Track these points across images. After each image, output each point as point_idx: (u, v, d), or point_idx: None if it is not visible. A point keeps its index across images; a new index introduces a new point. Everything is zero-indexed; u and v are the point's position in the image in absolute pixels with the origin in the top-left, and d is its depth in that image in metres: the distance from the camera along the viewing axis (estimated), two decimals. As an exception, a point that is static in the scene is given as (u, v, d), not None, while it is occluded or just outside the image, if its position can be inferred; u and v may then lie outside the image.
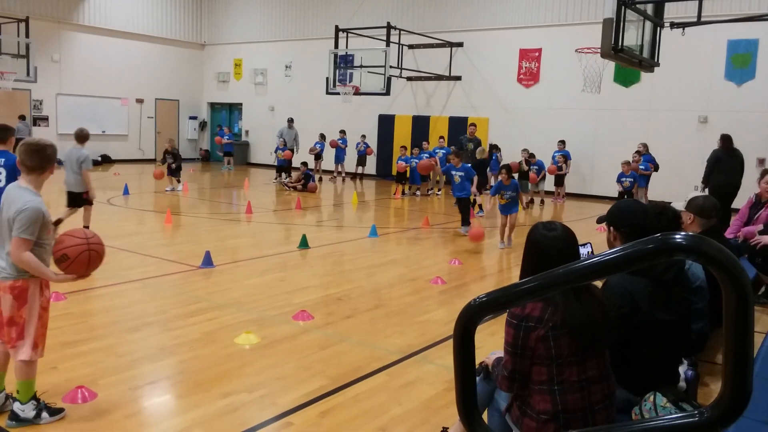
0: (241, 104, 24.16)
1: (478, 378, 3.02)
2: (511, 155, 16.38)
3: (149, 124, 23.64)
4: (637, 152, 14.14)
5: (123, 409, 3.72)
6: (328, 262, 8.20)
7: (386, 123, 20.07)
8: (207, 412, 3.70)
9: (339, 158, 19.11)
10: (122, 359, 4.47)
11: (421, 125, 19.28)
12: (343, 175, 19.39)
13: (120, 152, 22.59)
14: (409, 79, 19.14)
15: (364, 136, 19.14)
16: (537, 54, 17.39)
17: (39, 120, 20.43)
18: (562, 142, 15.84)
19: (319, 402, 3.89)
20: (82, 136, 8.54)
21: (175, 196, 13.96)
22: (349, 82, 17.00)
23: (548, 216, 13.38)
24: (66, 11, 20.73)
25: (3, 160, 6.34)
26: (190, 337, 4.99)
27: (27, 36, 18.24)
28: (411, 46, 18.96)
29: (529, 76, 17.61)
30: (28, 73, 17.92)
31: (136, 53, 22.64)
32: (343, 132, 19.30)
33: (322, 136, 19.34)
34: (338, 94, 16.86)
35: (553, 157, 15.55)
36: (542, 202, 15.02)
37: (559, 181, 15.70)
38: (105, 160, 21.68)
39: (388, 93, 16.33)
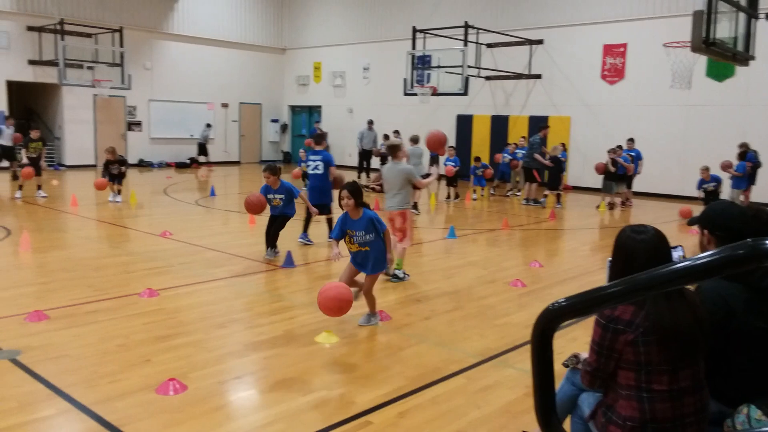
0: (320, 107, 24.64)
1: (566, 373, 2.97)
2: (595, 155, 15.91)
3: (233, 128, 24.51)
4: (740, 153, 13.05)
5: (211, 401, 3.89)
6: (405, 263, 8.22)
7: (464, 123, 19.95)
8: (289, 408, 3.80)
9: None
10: (210, 354, 4.67)
11: (499, 125, 19.04)
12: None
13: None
14: (487, 78, 18.94)
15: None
16: (622, 49, 16.79)
17: (133, 125, 21.58)
18: (631, 140, 14.95)
19: (398, 402, 3.92)
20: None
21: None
22: (427, 83, 17.00)
23: (636, 219, 12.89)
24: (157, 21, 21.81)
25: (321, 157, 8.99)
26: (273, 334, 5.14)
27: (121, 45, 19.33)
28: (489, 45, 18.75)
29: (613, 72, 17.02)
30: (122, 81, 18.99)
31: (221, 59, 23.53)
32: (396, 132, 19.28)
33: (386, 137, 19.41)
34: (415, 95, 16.89)
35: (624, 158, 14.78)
36: (623, 203, 14.39)
37: (627, 182, 14.30)
38: (193, 163, 22.66)
39: (465, 93, 16.21)
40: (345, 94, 23.68)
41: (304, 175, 14.67)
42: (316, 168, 8.93)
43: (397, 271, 6.99)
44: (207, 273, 7.15)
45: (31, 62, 19.04)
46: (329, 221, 9.08)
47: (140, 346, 4.73)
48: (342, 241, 5.35)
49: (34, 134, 13.54)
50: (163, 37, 22.08)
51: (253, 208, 7.81)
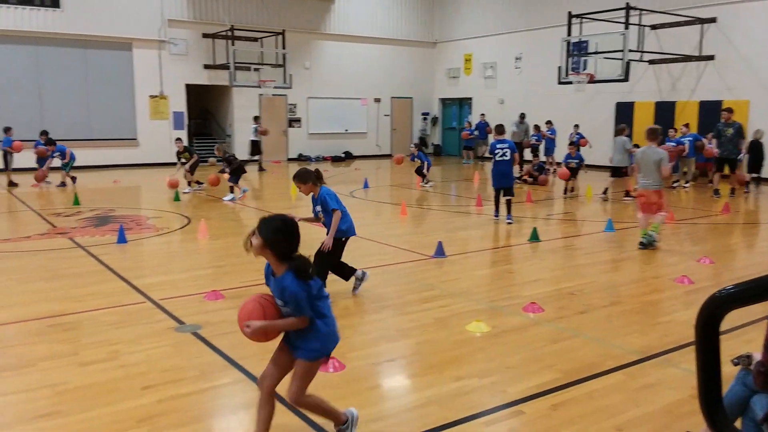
0: (470, 99, 24.53)
1: (736, 373, 2.75)
2: (775, 142, 14.35)
3: (385, 122, 25.16)
4: None
5: (367, 381, 4.07)
6: (559, 256, 8.00)
7: (624, 111, 18.83)
8: (440, 393, 3.87)
9: (549, 150, 18.31)
10: (365, 337, 4.88)
11: (664, 112, 17.73)
12: (554, 167, 18.60)
13: (360, 149, 24.38)
14: (651, 62, 17.71)
15: (576, 126, 18.10)
16: (812, 23, 14.91)
17: (293, 121, 22.89)
18: None
19: (551, 395, 3.84)
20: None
21: (413, 189, 14.67)
22: (583, 70, 16.30)
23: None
24: (316, 22, 22.94)
25: (507, 145, 9.84)
26: (423, 321, 5.25)
27: (284, 47, 20.57)
28: (654, 27, 17.51)
29: (800, 49, 15.18)
30: (284, 81, 20.22)
31: (374, 56, 24.24)
32: (550, 123, 18.51)
33: (537, 128, 18.80)
34: (571, 83, 16.26)
35: None
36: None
37: None
38: (347, 156, 23.61)
39: (626, 79, 15.31)
40: (496, 85, 23.36)
41: (418, 170, 14.81)
42: (503, 155, 9.82)
43: (651, 232, 8.00)
44: (361, 261, 7.43)
45: (206, 66, 20.88)
46: (509, 203, 9.99)
47: (302, 327, 5.05)
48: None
49: (179, 146, 14.27)
50: (321, 38, 23.18)
51: None
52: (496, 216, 10.20)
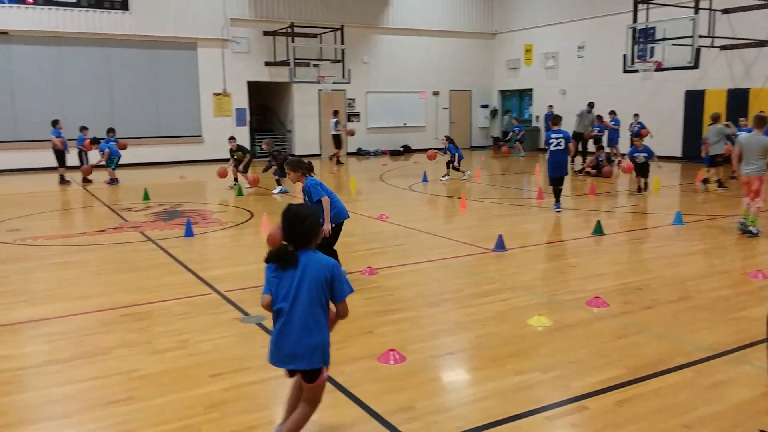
0: (531, 90, 24.10)
1: None
2: None
3: (444, 115, 25.03)
4: None
5: (427, 373, 4.09)
6: (624, 249, 7.80)
7: (694, 99, 18.10)
8: (501, 386, 3.85)
9: (612, 141, 17.71)
10: (425, 330, 4.89)
11: (737, 100, 16.93)
12: (618, 158, 17.99)
13: (418, 142, 24.34)
14: (723, 48, 16.94)
15: (636, 116, 17.44)
16: None
17: (352, 116, 23.04)
18: None
19: (616, 391, 3.76)
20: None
21: (468, 182, 14.56)
22: (650, 58, 15.75)
23: None
24: (373, 17, 23.01)
25: (562, 135, 9.91)
26: (484, 315, 5.22)
27: (342, 42, 20.73)
28: (725, 11, 16.74)
29: None
30: (343, 76, 20.39)
31: (432, 49, 24.12)
32: (613, 113, 17.91)
33: (599, 118, 18.23)
34: (637, 71, 15.73)
35: None
36: None
37: None
38: (406, 150, 23.61)
39: (696, 66, 14.70)
40: (557, 75, 22.86)
41: (448, 163, 14.62)
42: (558, 145, 9.89)
43: (751, 228, 8.02)
44: (420, 254, 7.46)
45: (267, 63, 21.28)
46: (558, 192, 10.16)
47: (363, 319, 5.12)
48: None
49: (232, 144, 14.44)
50: (379, 32, 23.23)
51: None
52: (557, 209, 10.16)
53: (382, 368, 4.12)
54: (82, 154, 15.90)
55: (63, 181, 15.05)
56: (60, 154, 15.14)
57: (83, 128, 15.89)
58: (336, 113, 20.48)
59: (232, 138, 14.86)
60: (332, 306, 3.03)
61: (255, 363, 4.26)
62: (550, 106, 21.73)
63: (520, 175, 16.45)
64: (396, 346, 4.40)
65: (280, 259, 2.97)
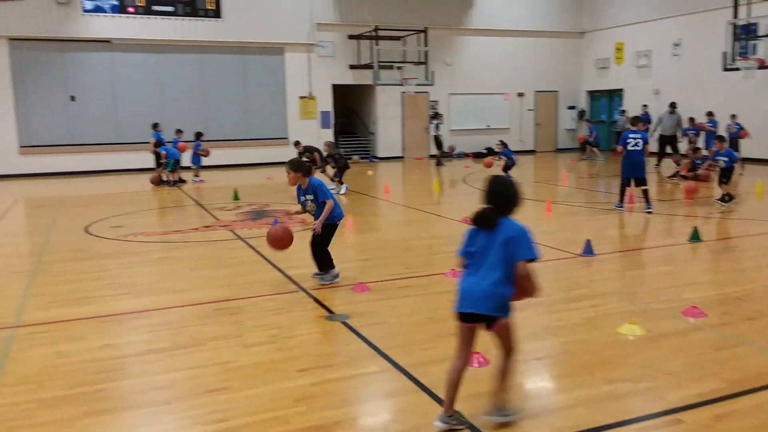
0: (621, 90, 23.25)
1: None
2: None
3: (529, 117, 24.57)
4: None
5: (513, 377, 4.03)
6: (723, 257, 7.40)
7: (801, 98, 16.92)
8: (590, 395, 3.75)
9: (710, 143, 16.70)
10: (510, 334, 4.82)
11: None
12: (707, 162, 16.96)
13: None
14: (834, 42, 15.75)
15: (734, 116, 16.38)
16: None
17: (431, 119, 23.01)
18: None
19: (714, 404, 3.58)
20: None
21: (558, 186, 14.23)
22: (752, 55, 14.85)
23: None
24: (457, 18, 22.90)
25: (640, 135, 10.03)
26: (572, 321, 5.10)
27: (426, 45, 20.77)
28: (839, 3, 15.56)
29: None
30: (426, 78, 20.43)
31: (517, 49, 23.74)
32: (710, 114, 16.90)
33: (692, 120, 17.30)
34: (738, 69, 14.88)
35: None
36: None
37: None
38: (489, 153, 23.33)
39: (804, 62, 13.75)
40: (650, 74, 21.94)
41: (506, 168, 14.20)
42: (635, 145, 10.02)
43: None
44: (505, 257, 7.35)
45: (351, 67, 21.62)
46: (645, 192, 10.16)
47: (447, 321, 5.09)
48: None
49: (299, 149, 15.04)
50: (463, 33, 23.10)
51: (279, 242, 6.17)
52: (619, 206, 10.23)
53: (467, 371, 4.09)
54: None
55: (181, 180, 15.91)
56: (158, 156, 15.96)
57: (178, 131, 16.70)
58: (437, 115, 20.67)
59: (297, 143, 15.31)
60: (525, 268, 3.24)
61: (340, 360, 4.35)
62: (645, 105, 20.89)
63: (610, 179, 15.90)
64: (480, 349, 4.36)
65: (482, 219, 3.32)
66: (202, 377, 4.10)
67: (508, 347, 3.45)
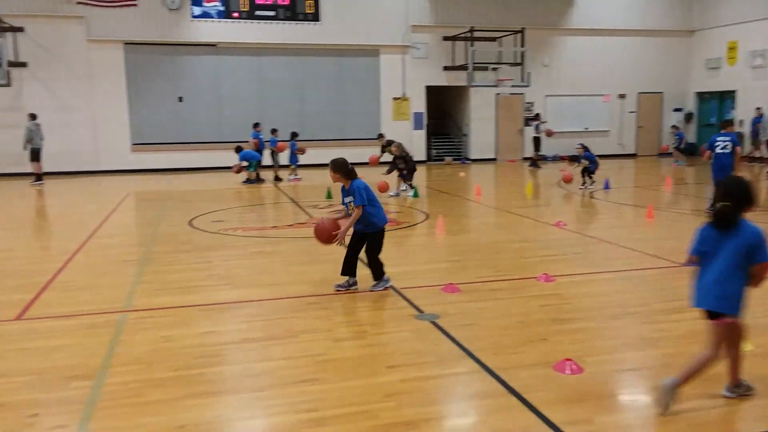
0: (734, 92, 21.85)
1: None
2: None
3: (630, 119, 23.59)
4: None
5: (607, 387, 3.90)
6: None
7: None
8: (692, 411, 3.56)
9: None
10: (605, 342, 4.66)
11: None
12: None
13: (600, 147, 23.14)
14: None
15: None
16: None
17: (530, 120, 22.54)
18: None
19: (834, 430, 3.30)
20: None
21: (660, 191, 13.59)
22: None
23: None
24: (556, 18, 22.33)
25: (730, 138, 9.90)
26: (673, 332, 4.86)
27: (522, 45, 20.40)
28: None
29: None
30: (522, 79, 20.06)
31: (619, 49, 22.86)
32: None
33: None
34: None
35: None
36: None
37: None
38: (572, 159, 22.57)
39: None
40: (767, 75, 20.50)
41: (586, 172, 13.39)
42: (724, 147, 9.87)
43: None
44: (601, 264, 7.12)
45: (445, 68, 21.57)
46: None
47: (537, 325, 5.01)
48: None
49: (381, 141, 15.62)
50: (562, 33, 22.50)
51: (321, 234, 6.06)
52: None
53: (558, 377, 4.00)
54: (273, 155, 17.30)
55: (258, 180, 16.48)
56: (270, 154, 16.82)
57: (274, 130, 17.28)
58: (538, 116, 20.32)
59: (380, 135, 15.51)
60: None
61: (430, 359, 4.36)
62: (758, 108, 19.55)
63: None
64: (573, 356, 4.25)
65: (723, 221, 3.43)
66: (294, 368, 4.23)
67: (719, 346, 3.54)
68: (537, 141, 20.01)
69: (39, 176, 16.56)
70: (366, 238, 5.99)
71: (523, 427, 3.39)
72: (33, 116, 16.53)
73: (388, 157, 14.63)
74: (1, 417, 3.57)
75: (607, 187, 14.03)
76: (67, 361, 4.39)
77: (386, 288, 6.03)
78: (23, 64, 18.24)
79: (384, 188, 13.21)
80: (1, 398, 3.81)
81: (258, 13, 19.86)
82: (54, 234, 10.36)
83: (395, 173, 13.67)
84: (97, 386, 3.95)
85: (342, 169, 5.91)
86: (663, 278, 6.51)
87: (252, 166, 16.24)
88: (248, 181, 16.23)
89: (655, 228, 9.46)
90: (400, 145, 14.03)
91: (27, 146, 16.37)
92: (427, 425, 3.44)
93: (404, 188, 13.44)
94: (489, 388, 3.89)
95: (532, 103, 22.54)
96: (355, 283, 6.09)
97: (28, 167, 16.86)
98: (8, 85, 17.04)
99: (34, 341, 4.82)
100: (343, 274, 6.07)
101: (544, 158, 22.04)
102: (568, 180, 14.17)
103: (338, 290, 6.03)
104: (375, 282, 6.07)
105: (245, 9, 19.76)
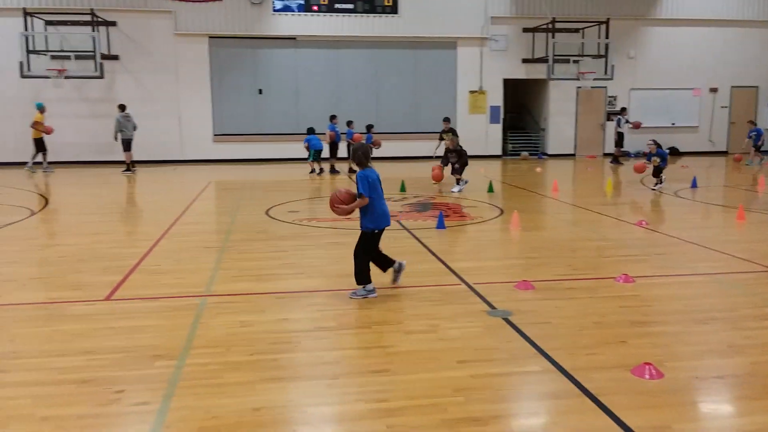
0: (838, 85, 20.35)
1: None
2: None
3: (722, 114, 22.38)
4: None
5: (688, 394, 3.72)
6: None
7: None
8: (783, 424, 3.35)
9: None
10: (688, 348, 4.45)
11: None
12: None
13: (688, 144, 22.16)
14: None
15: None
16: None
17: (612, 115, 21.74)
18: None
19: None
20: None
21: (753, 191, 12.84)
22: None
23: None
24: (644, 8, 21.42)
25: None
26: (763, 339, 4.58)
27: (606, 37, 19.70)
28: None
29: None
30: (605, 72, 19.39)
31: (711, 41, 21.71)
32: None
33: None
34: None
35: None
36: None
37: None
38: (672, 153, 21.62)
39: None
40: None
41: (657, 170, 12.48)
42: None
43: None
44: (685, 266, 6.79)
45: (524, 61, 21.13)
46: None
47: (615, 327, 4.84)
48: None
49: (445, 126, 15.79)
50: (649, 23, 21.58)
51: (331, 200, 5.91)
52: None
53: (636, 381, 3.86)
54: (350, 147, 17.50)
55: (333, 171, 16.72)
56: (333, 146, 16.85)
57: (349, 122, 17.46)
58: (624, 110, 19.64)
59: (446, 119, 15.47)
60: None
61: (501, 356, 4.29)
62: None
63: (817, 186, 14.01)
64: (653, 360, 4.09)
65: None
66: (365, 357, 4.27)
67: None
68: (620, 136, 19.29)
69: (129, 165, 17.42)
70: (362, 237, 5.76)
71: (596, 430, 3.29)
72: (122, 107, 17.38)
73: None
74: (89, 392, 3.79)
75: (694, 185, 13.38)
76: (151, 341, 4.60)
77: (365, 297, 5.58)
78: (115, 57, 19.22)
79: (438, 178, 13.38)
80: (90, 374, 4.04)
81: (338, 6, 20.09)
82: (140, 220, 10.89)
83: (449, 168, 13.55)
84: (179, 366, 4.12)
85: (356, 156, 5.90)
86: (754, 283, 6.15)
87: (311, 155, 16.53)
88: (313, 171, 16.64)
89: (746, 230, 8.95)
90: (453, 138, 13.91)
91: (117, 136, 17.23)
92: (496, 422, 3.39)
93: (461, 185, 13.17)
94: (562, 389, 3.80)
95: (615, 97, 21.77)
96: (400, 264, 5.92)
97: (119, 156, 17.77)
98: (101, 77, 18.01)
99: (121, 321, 5.08)
100: (384, 271, 5.92)
101: (627, 154, 21.23)
102: (639, 170, 13.64)
103: (395, 285, 5.92)
104: (356, 288, 5.70)
105: (324, 2, 20.03)
